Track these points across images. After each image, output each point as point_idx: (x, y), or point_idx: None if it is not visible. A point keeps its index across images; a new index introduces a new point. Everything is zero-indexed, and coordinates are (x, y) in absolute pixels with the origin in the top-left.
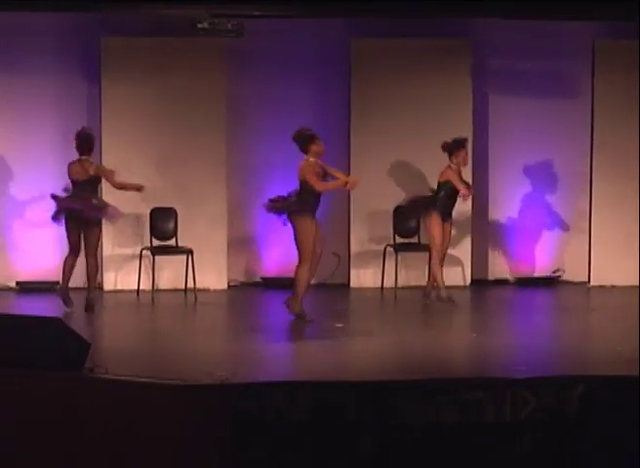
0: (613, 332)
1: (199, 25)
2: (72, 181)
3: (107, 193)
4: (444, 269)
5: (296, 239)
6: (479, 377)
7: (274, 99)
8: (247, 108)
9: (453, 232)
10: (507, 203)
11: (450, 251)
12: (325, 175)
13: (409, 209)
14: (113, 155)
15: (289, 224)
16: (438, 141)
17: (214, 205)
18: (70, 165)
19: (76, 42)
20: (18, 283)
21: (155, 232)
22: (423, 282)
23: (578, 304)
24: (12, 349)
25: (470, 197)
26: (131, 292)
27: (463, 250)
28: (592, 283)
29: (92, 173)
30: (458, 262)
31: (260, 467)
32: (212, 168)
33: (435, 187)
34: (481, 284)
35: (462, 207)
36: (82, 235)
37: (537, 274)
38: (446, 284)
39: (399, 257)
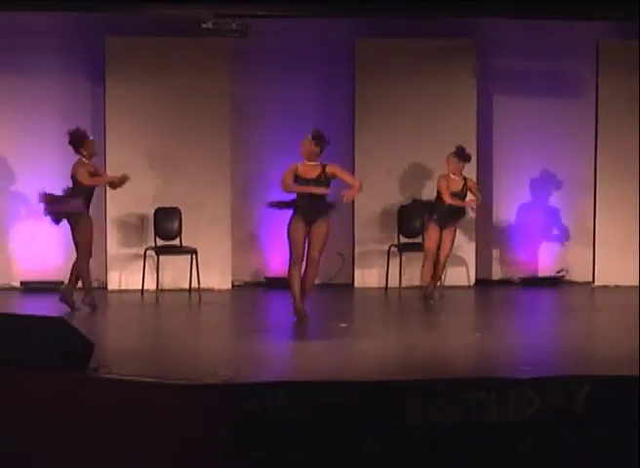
0: (617, 332)
1: (203, 25)
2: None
3: (110, 193)
4: (448, 271)
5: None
6: (483, 377)
7: (278, 99)
8: (251, 108)
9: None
10: (511, 203)
11: (454, 251)
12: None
13: (412, 208)
14: (117, 155)
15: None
16: (442, 141)
17: (218, 205)
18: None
19: (80, 42)
20: (22, 282)
21: (159, 232)
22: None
23: (582, 304)
24: (16, 349)
25: (475, 206)
26: (135, 291)
27: (468, 250)
28: (596, 283)
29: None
30: (462, 262)
31: (263, 467)
32: (216, 168)
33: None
34: (485, 284)
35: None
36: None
37: (541, 274)
38: (451, 284)
39: (403, 257)
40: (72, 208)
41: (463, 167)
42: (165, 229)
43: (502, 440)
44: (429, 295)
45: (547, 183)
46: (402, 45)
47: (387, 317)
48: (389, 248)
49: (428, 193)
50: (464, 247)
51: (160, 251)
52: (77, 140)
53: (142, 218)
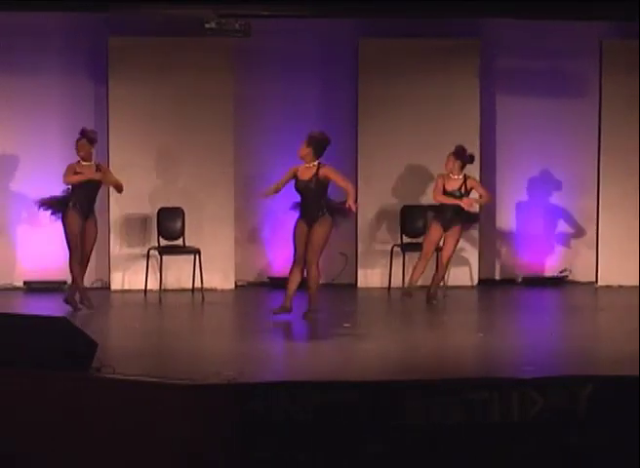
0: (620, 333)
1: (207, 25)
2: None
3: (113, 194)
4: (451, 270)
5: None
6: (486, 377)
7: (282, 99)
8: (254, 108)
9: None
10: (515, 203)
11: (457, 250)
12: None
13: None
14: (120, 155)
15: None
16: (445, 141)
17: (221, 205)
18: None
19: (83, 42)
20: (25, 282)
21: (162, 232)
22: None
23: (585, 304)
24: (19, 349)
25: (469, 205)
26: (138, 291)
27: (471, 250)
28: (600, 283)
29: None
30: (465, 262)
31: (266, 467)
32: (219, 167)
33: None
34: (488, 284)
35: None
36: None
37: (544, 274)
38: (453, 284)
39: (406, 257)
40: (50, 206)
41: (464, 166)
42: (168, 229)
43: (505, 440)
44: (432, 296)
45: (550, 183)
46: (405, 45)
47: (390, 317)
48: (392, 248)
49: (431, 193)
50: (467, 247)
51: (163, 251)
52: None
53: (145, 218)
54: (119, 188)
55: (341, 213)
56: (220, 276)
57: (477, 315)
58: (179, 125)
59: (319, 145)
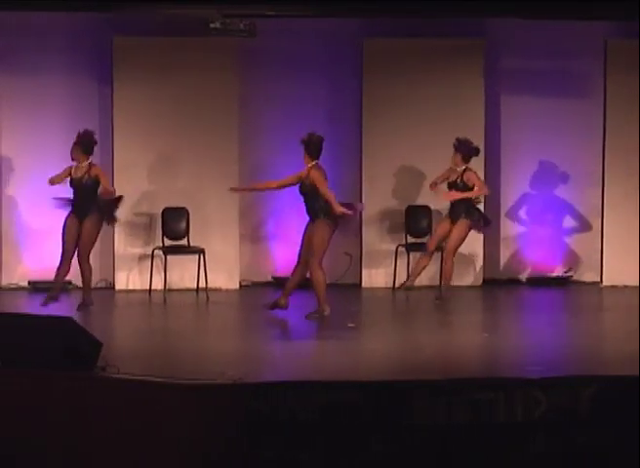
0: (625, 333)
1: (211, 25)
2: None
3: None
4: (455, 267)
5: None
6: (491, 377)
7: (286, 99)
8: (259, 108)
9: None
10: (519, 202)
11: (462, 250)
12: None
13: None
14: (124, 155)
15: None
16: (450, 141)
17: (225, 204)
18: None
19: (88, 42)
20: (30, 282)
21: (167, 232)
22: (435, 282)
23: (590, 304)
24: (24, 349)
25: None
26: (143, 291)
27: (475, 249)
28: (605, 283)
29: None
30: (470, 262)
31: (271, 466)
32: (224, 167)
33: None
34: (493, 283)
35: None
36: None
37: (549, 274)
38: (458, 283)
39: (411, 257)
40: (61, 205)
41: (465, 158)
42: (172, 229)
43: (510, 440)
44: (437, 296)
45: (555, 183)
46: (410, 45)
47: (395, 317)
48: (397, 248)
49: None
50: (472, 246)
51: (168, 250)
52: None
53: (150, 218)
54: (107, 193)
55: (341, 215)
56: (224, 276)
57: (482, 315)
58: (183, 125)
59: (308, 146)
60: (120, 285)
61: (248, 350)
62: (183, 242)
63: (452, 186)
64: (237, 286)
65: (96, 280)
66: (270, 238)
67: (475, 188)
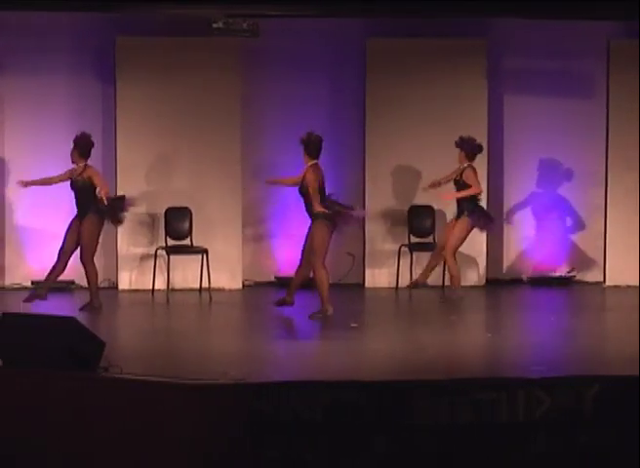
0: (627, 332)
1: (214, 25)
2: (94, 187)
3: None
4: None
5: None
6: (493, 377)
7: (289, 99)
8: (262, 108)
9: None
10: (522, 203)
11: (465, 250)
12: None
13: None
14: (128, 155)
15: None
16: (453, 141)
17: (228, 204)
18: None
19: (91, 42)
20: (33, 282)
21: (170, 232)
22: (438, 282)
23: (593, 304)
24: (27, 348)
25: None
26: (146, 291)
27: (478, 249)
28: (607, 283)
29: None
30: (473, 262)
31: (275, 466)
32: (227, 167)
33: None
34: (496, 283)
35: None
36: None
37: (552, 274)
38: (462, 283)
39: (414, 257)
40: None
41: (468, 156)
42: (175, 229)
43: (513, 439)
44: (442, 296)
45: (558, 183)
46: (413, 45)
47: (398, 317)
48: (400, 248)
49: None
50: (475, 246)
51: (171, 250)
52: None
53: (153, 218)
54: (103, 193)
55: (341, 216)
56: (227, 276)
57: (485, 315)
58: (186, 124)
59: (308, 146)
60: (123, 285)
61: (251, 350)
62: (186, 242)
63: (455, 184)
64: (240, 286)
65: (99, 280)
66: (273, 238)
67: (470, 187)
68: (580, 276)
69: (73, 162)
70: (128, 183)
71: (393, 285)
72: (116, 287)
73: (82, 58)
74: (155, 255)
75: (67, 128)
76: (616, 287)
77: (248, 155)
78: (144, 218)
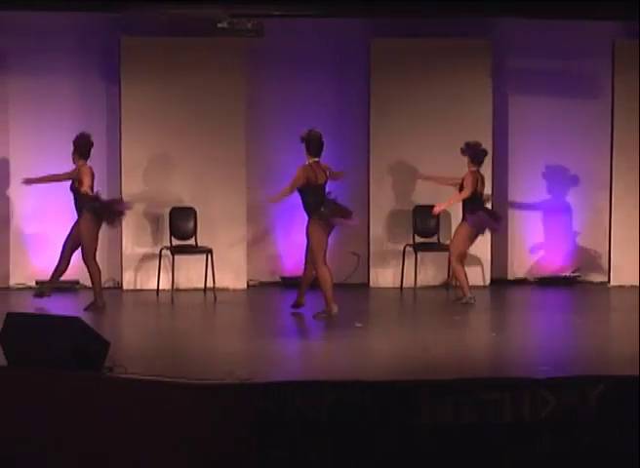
0: (632, 333)
1: (219, 25)
2: (91, 187)
3: (126, 193)
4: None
5: None
6: (497, 377)
7: (293, 99)
8: (266, 108)
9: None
10: (527, 202)
11: (470, 250)
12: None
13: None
14: (132, 154)
15: None
16: (457, 141)
17: (233, 204)
18: (92, 171)
19: (96, 42)
20: (37, 282)
21: (175, 232)
22: (443, 282)
23: (597, 304)
24: (32, 348)
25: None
26: (150, 291)
27: (483, 249)
28: (612, 283)
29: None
30: (477, 262)
31: (280, 466)
32: (231, 167)
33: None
34: (500, 283)
35: None
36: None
37: (556, 274)
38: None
39: (418, 257)
40: None
41: (473, 161)
42: (180, 229)
43: (517, 440)
44: (454, 297)
45: (563, 183)
46: (417, 45)
47: (403, 317)
48: (404, 247)
49: (443, 192)
50: (480, 246)
51: (175, 250)
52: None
53: (158, 218)
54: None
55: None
56: (232, 276)
57: (490, 315)
58: (191, 124)
59: (308, 144)
60: (128, 284)
61: (256, 350)
62: (191, 242)
63: (459, 190)
64: (245, 285)
65: (103, 279)
66: (278, 238)
67: (462, 192)
68: (584, 276)
69: (74, 162)
70: (132, 183)
71: (398, 285)
72: (121, 287)
73: (87, 58)
74: (160, 255)
75: (72, 128)
76: (620, 287)
77: (252, 155)
78: (149, 218)
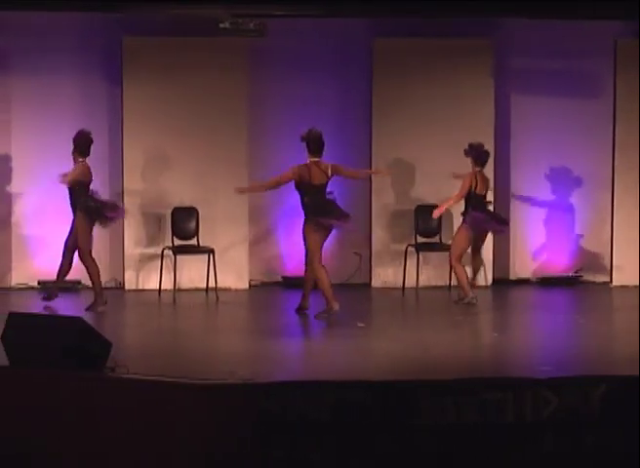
0: (634, 333)
1: (221, 25)
2: (86, 184)
3: (128, 193)
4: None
5: None
6: (500, 377)
7: (295, 99)
8: (268, 108)
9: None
10: (529, 202)
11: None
12: None
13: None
14: (134, 155)
15: None
16: (459, 141)
17: (235, 204)
18: (87, 168)
19: (97, 42)
20: (39, 282)
21: (177, 232)
22: (445, 282)
23: (600, 304)
24: (34, 348)
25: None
26: (152, 291)
27: (485, 249)
28: (614, 283)
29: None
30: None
31: (282, 466)
32: (233, 167)
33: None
34: (503, 283)
35: None
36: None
37: (559, 274)
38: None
39: (420, 257)
40: None
41: (476, 163)
42: (182, 229)
43: (519, 439)
44: (457, 298)
45: (565, 183)
46: (419, 45)
47: (405, 317)
48: (406, 247)
49: (446, 192)
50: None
51: (177, 250)
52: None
53: (160, 218)
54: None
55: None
56: (234, 276)
57: (492, 315)
58: (193, 124)
59: (307, 143)
60: (130, 284)
61: (258, 350)
62: (193, 242)
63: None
64: (247, 285)
65: (105, 279)
66: (280, 238)
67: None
68: (586, 276)
69: (74, 161)
70: (134, 183)
71: (400, 285)
72: (123, 287)
73: (89, 58)
74: (162, 255)
75: (73, 128)
76: (622, 287)
77: (254, 155)
78: (151, 218)
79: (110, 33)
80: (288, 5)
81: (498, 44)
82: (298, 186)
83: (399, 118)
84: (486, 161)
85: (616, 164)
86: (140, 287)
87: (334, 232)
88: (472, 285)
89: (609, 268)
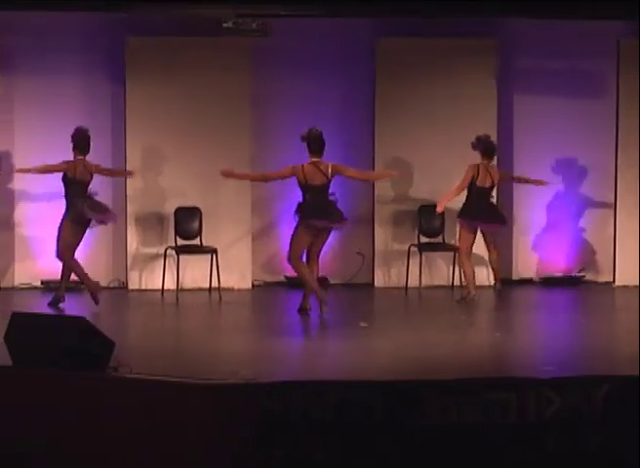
0: (637, 333)
1: (224, 25)
2: (78, 182)
3: (131, 193)
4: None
5: None
6: (503, 377)
7: (299, 99)
8: (271, 108)
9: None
10: (532, 202)
11: (474, 250)
12: None
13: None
14: (137, 154)
15: None
16: (463, 141)
17: (238, 204)
18: (82, 165)
19: (101, 42)
20: (43, 282)
21: (180, 231)
22: (448, 282)
23: (603, 304)
24: (37, 348)
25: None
26: (155, 291)
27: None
28: (617, 283)
29: (93, 173)
30: (482, 262)
31: (284, 466)
32: (236, 167)
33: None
34: (505, 283)
35: None
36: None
37: (561, 274)
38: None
39: (423, 257)
40: None
41: (484, 156)
42: (185, 229)
43: (522, 440)
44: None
45: (568, 183)
46: (423, 44)
47: (407, 317)
48: (409, 247)
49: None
50: (484, 247)
51: (180, 250)
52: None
53: (163, 218)
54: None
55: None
56: (236, 275)
57: (494, 315)
58: (196, 124)
59: (307, 143)
60: (133, 284)
61: (261, 350)
62: (196, 241)
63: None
64: (250, 285)
65: (108, 279)
66: (283, 237)
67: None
68: (589, 276)
69: (74, 158)
70: (137, 183)
71: (403, 285)
72: (126, 286)
73: (92, 57)
74: (165, 255)
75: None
76: (625, 287)
77: (257, 155)
78: (154, 218)
79: (113, 33)
80: (291, 5)
81: (500, 44)
82: (299, 186)
83: (402, 118)
84: (494, 153)
85: (618, 164)
86: (143, 287)
87: (334, 233)
88: (497, 283)
89: (612, 268)
